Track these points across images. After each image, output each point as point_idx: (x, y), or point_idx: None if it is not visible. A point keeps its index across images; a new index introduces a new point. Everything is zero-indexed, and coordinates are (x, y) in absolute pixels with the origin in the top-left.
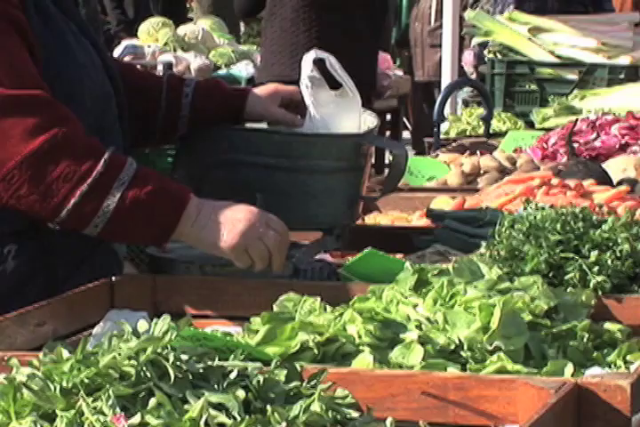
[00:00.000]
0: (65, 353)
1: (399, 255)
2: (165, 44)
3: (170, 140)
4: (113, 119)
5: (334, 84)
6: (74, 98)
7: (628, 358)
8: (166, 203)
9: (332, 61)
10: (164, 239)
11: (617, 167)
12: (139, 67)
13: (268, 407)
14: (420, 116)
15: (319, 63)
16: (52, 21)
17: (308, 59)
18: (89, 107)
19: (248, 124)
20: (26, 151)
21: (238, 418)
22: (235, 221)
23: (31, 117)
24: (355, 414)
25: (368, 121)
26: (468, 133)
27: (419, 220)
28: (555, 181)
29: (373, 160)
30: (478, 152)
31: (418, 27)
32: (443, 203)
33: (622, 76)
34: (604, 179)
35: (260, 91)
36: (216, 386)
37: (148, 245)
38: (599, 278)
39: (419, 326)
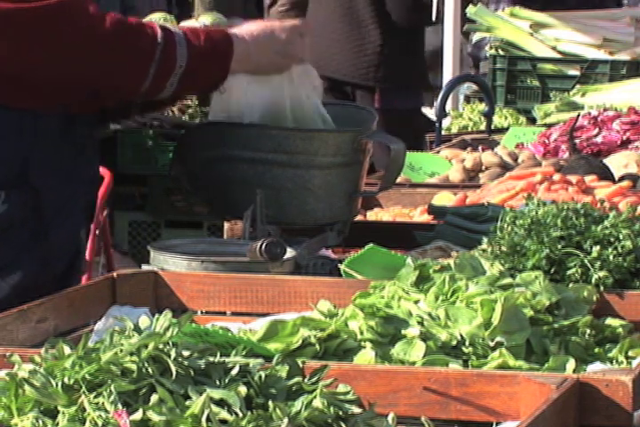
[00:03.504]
0: (66, 349)
1: (401, 251)
2: None
3: None
4: None
5: None
6: None
7: (630, 353)
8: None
9: None
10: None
11: (618, 163)
12: None
13: (270, 403)
14: None
15: None
16: None
17: None
18: None
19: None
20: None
21: (240, 414)
22: (265, 54)
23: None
24: (356, 410)
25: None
26: (469, 129)
27: (420, 216)
28: (556, 176)
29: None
30: (480, 148)
31: None
32: (444, 199)
33: (624, 71)
34: (606, 174)
35: None
36: (218, 382)
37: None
38: (601, 274)
39: (420, 322)
